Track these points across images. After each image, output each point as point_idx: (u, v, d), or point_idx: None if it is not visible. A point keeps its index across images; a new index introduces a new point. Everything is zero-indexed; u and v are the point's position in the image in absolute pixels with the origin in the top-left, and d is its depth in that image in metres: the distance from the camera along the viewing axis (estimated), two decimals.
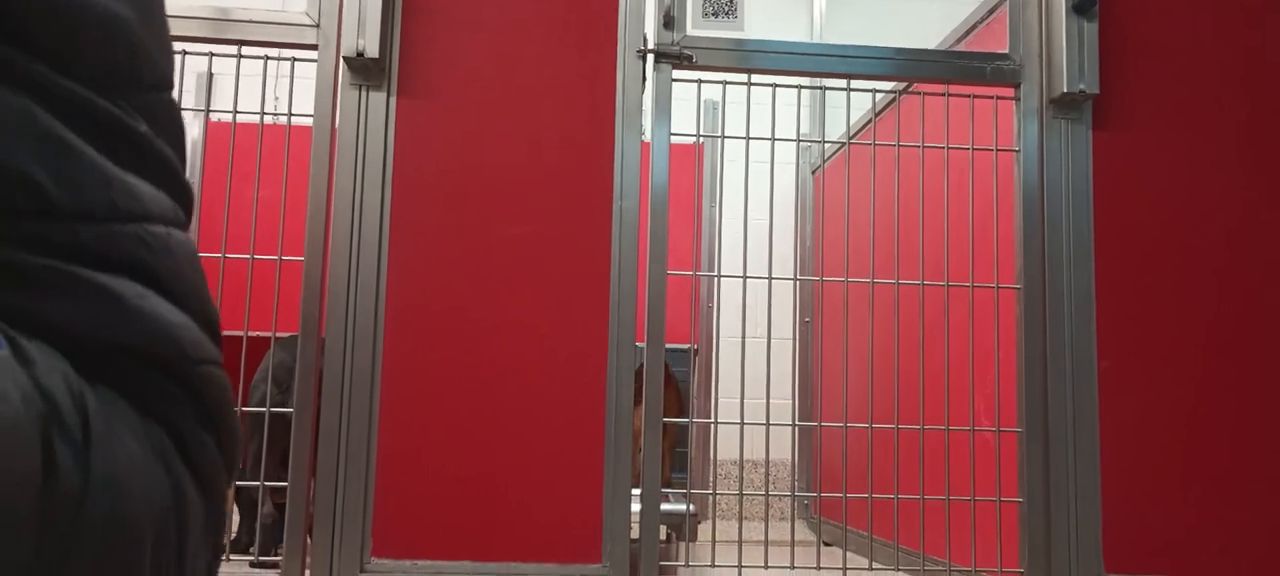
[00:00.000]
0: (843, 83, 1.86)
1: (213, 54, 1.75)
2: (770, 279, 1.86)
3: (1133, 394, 1.73)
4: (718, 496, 3.42)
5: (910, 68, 1.87)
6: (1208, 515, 1.72)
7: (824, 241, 2.83)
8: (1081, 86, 1.74)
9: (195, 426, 0.57)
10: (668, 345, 1.74)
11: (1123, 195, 1.78)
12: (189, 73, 1.87)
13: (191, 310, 0.58)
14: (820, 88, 1.99)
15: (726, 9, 3.91)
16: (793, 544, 1.79)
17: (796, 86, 1.88)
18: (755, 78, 1.80)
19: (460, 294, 1.69)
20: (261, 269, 1.71)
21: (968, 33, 2.06)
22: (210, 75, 1.85)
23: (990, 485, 1.79)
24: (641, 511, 1.69)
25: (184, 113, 0.64)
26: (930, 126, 1.94)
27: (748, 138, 1.82)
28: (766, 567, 1.78)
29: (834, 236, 2.76)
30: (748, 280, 1.81)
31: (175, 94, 0.62)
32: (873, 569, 1.78)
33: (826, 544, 2.73)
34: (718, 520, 3.37)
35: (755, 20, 3.91)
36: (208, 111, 2.48)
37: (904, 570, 2.08)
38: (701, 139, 2.51)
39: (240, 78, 1.76)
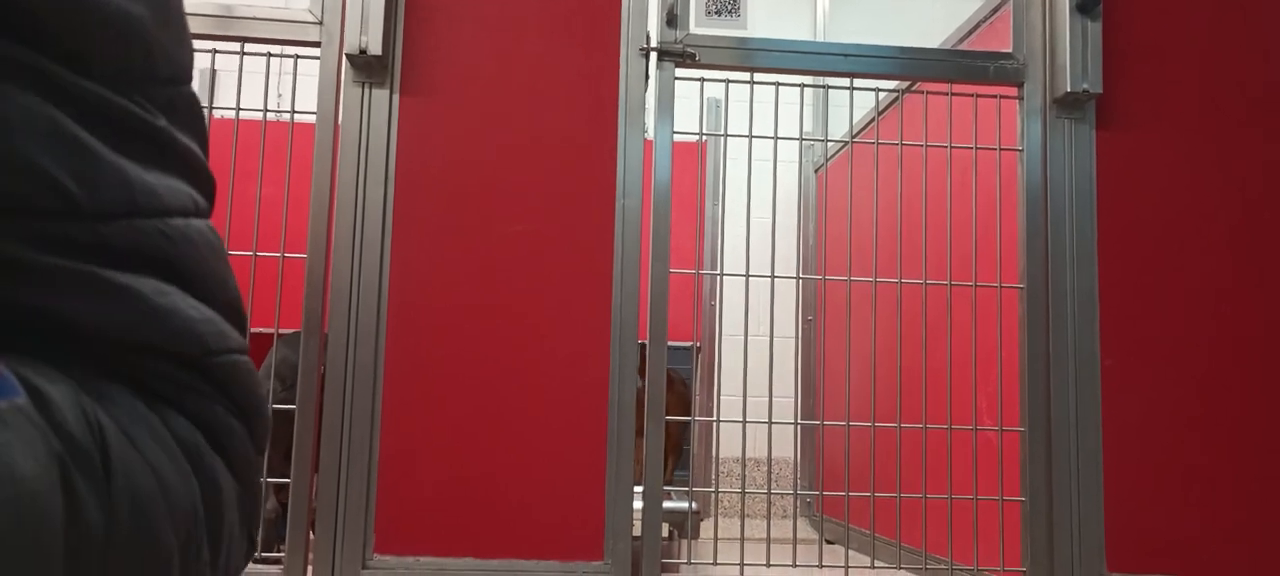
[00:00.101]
0: (846, 81, 1.86)
1: (216, 51, 1.75)
2: (773, 277, 1.86)
3: (1136, 393, 1.73)
4: (720, 494, 3.42)
5: (913, 67, 1.87)
6: (1211, 514, 1.71)
7: (826, 240, 2.83)
8: (1085, 86, 1.74)
9: (224, 415, 0.58)
10: (670, 343, 1.74)
11: (1126, 195, 1.78)
12: None
13: (214, 300, 0.58)
14: (823, 86, 1.99)
15: (730, 7, 3.91)
16: (795, 542, 1.79)
17: (799, 85, 1.88)
18: (758, 76, 1.80)
19: (462, 291, 1.69)
20: (264, 266, 1.71)
21: (971, 32, 2.06)
22: (213, 72, 1.85)
23: (993, 484, 1.79)
24: (644, 509, 1.69)
25: None
26: (933, 125, 1.94)
27: (750, 136, 1.82)
28: (768, 565, 1.78)
29: (837, 235, 2.76)
30: (750, 278, 1.82)
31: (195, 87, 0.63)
32: (875, 567, 1.78)
33: (829, 542, 2.73)
34: (720, 518, 3.37)
35: (758, 19, 3.91)
36: (211, 109, 2.48)
37: (906, 568, 2.07)
38: (704, 137, 2.51)
39: (243, 75, 1.76)
